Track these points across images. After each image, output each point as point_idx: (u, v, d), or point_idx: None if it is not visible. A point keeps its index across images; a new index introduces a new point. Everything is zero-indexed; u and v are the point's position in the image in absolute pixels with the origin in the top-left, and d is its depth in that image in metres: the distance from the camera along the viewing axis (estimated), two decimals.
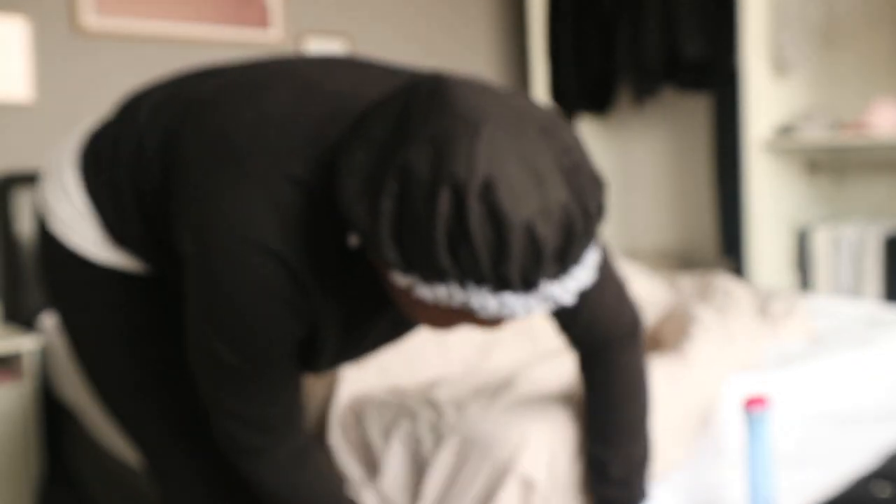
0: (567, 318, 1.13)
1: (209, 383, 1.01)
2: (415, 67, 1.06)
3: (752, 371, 1.61)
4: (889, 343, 1.86)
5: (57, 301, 1.18)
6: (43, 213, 1.13)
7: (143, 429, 1.21)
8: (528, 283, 0.75)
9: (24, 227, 2.47)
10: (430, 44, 3.62)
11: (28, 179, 2.48)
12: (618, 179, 3.95)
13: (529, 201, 0.72)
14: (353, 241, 0.88)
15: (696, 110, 3.60)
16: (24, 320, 2.45)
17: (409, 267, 0.76)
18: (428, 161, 0.73)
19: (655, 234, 3.87)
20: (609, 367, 1.18)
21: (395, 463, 1.31)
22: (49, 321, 2.39)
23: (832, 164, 3.18)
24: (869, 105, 2.81)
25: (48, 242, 1.14)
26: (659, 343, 1.70)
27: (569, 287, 0.77)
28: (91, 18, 2.72)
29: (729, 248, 3.27)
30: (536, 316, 1.58)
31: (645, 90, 3.34)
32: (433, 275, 0.75)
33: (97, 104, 2.72)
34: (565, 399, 1.32)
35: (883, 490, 1.66)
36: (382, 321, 1.04)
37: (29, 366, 2.30)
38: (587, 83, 3.56)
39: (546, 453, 1.23)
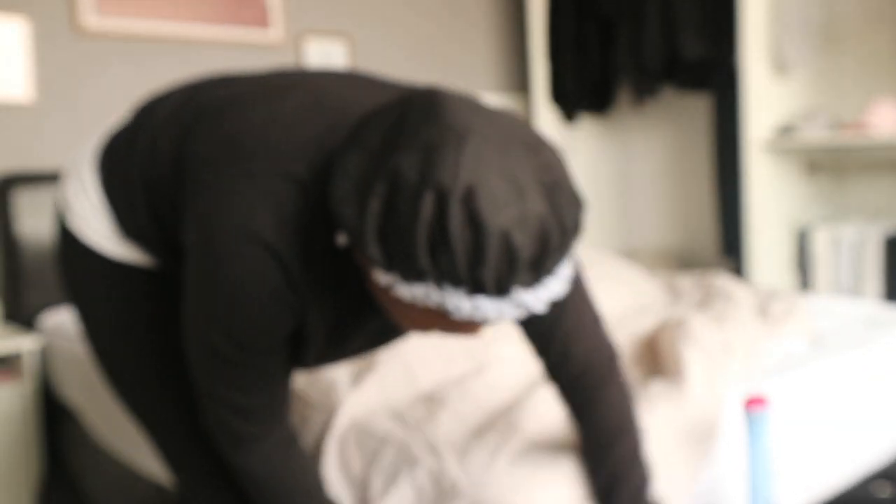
0: (544, 337, 1.13)
1: (204, 372, 1.05)
2: (413, 82, 1.11)
3: (753, 371, 1.61)
4: (889, 343, 1.86)
5: (74, 295, 1.24)
6: (63, 210, 1.20)
7: (157, 416, 1.25)
8: (501, 289, 0.78)
9: (25, 227, 2.47)
10: (430, 44, 3.62)
11: (28, 179, 2.48)
12: (618, 179, 3.95)
13: (508, 210, 0.76)
14: (341, 240, 0.91)
15: (696, 110, 3.60)
16: (24, 320, 2.45)
17: (390, 265, 0.80)
18: (416, 167, 0.77)
19: (655, 234, 3.87)
20: (595, 402, 1.18)
21: None
22: (49, 321, 2.39)
23: (832, 164, 3.18)
24: (869, 105, 2.81)
25: (66, 238, 1.20)
26: (656, 355, 1.68)
27: (541, 296, 0.80)
28: (91, 18, 2.72)
29: (729, 248, 3.27)
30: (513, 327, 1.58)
31: (645, 90, 3.34)
32: (412, 274, 0.79)
33: (97, 104, 2.73)
34: (571, 447, 1.28)
35: (883, 490, 1.66)
36: (369, 324, 1.07)
37: (29, 366, 2.30)
38: (587, 83, 3.56)
39: None
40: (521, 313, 0.81)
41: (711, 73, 3.17)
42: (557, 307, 1.08)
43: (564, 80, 3.58)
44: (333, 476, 1.38)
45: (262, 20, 3.10)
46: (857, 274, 2.89)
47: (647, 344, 1.74)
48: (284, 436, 1.11)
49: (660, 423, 1.35)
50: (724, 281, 2.20)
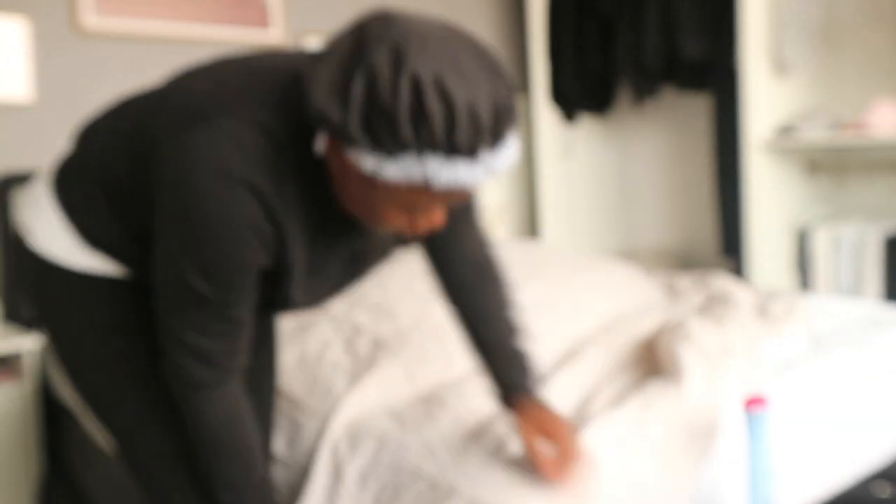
0: (468, 222, 1.31)
1: (174, 316, 1.11)
2: None
3: (752, 371, 1.61)
4: (889, 343, 1.86)
5: (46, 318, 1.27)
6: (24, 235, 1.24)
7: (142, 436, 1.25)
8: (472, 150, 0.94)
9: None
10: None
11: (28, 179, 2.48)
12: (618, 179, 3.95)
13: (469, 89, 0.94)
14: (321, 145, 1.04)
15: (696, 110, 3.60)
16: (24, 320, 2.46)
17: (376, 146, 0.94)
18: (389, 63, 0.92)
19: (655, 234, 3.87)
20: (497, 276, 1.37)
21: None
22: None
23: (832, 164, 3.18)
24: (869, 105, 2.81)
25: (31, 261, 1.23)
26: (654, 356, 1.68)
27: (501, 158, 0.98)
28: (91, 18, 2.72)
29: (729, 249, 3.27)
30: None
31: (645, 90, 3.34)
32: (397, 148, 0.93)
33: (97, 104, 2.73)
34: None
35: (883, 490, 1.66)
36: (340, 248, 1.18)
37: (29, 366, 2.30)
38: (587, 83, 3.56)
39: None
40: (487, 176, 0.98)
41: (711, 73, 3.17)
42: (470, 206, 1.31)
43: (564, 80, 3.58)
44: (325, 481, 1.38)
45: (262, 20, 3.10)
46: (857, 274, 2.89)
47: (647, 345, 1.74)
48: (237, 388, 1.17)
49: (659, 423, 1.35)
50: (723, 281, 2.20)
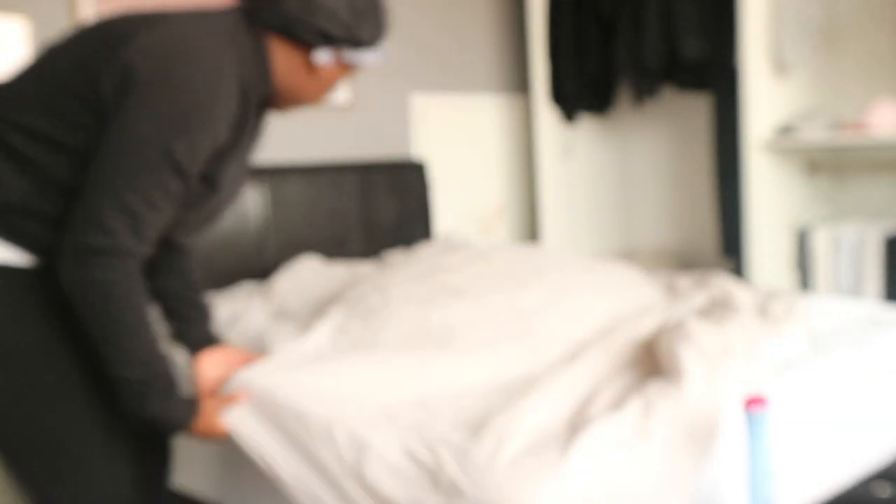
0: (211, 197, 1.40)
1: (127, 180, 1.21)
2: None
3: (753, 371, 1.61)
4: (889, 343, 1.86)
5: None
6: None
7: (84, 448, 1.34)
8: (379, 40, 1.40)
9: None
10: (430, 44, 3.62)
11: None
12: (618, 179, 3.95)
13: None
14: (276, 51, 1.37)
15: (696, 110, 3.60)
16: None
17: (329, 42, 1.34)
18: None
19: (655, 234, 3.88)
20: (191, 257, 1.58)
21: None
22: None
23: (832, 164, 3.18)
24: (869, 105, 2.81)
25: None
26: (654, 357, 1.67)
27: (380, 51, 1.41)
28: (91, 18, 2.71)
29: (729, 248, 3.27)
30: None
31: (645, 90, 3.34)
32: (346, 42, 1.35)
33: None
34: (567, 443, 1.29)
35: (883, 490, 1.66)
36: (240, 160, 1.42)
37: None
38: (587, 83, 3.56)
39: None
40: (382, 60, 1.43)
41: (711, 73, 3.17)
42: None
43: (564, 81, 3.58)
44: (314, 484, 1.38)
45: None
46: (857, 274, 2.89)
47: (646, 346, 1.74)
48: (138, 271, 1.28)
49: (660, 423, 1.35)
50: (723, 282, 2.20)
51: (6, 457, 1.32)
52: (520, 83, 3.90)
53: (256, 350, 1.71)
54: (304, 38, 1.32)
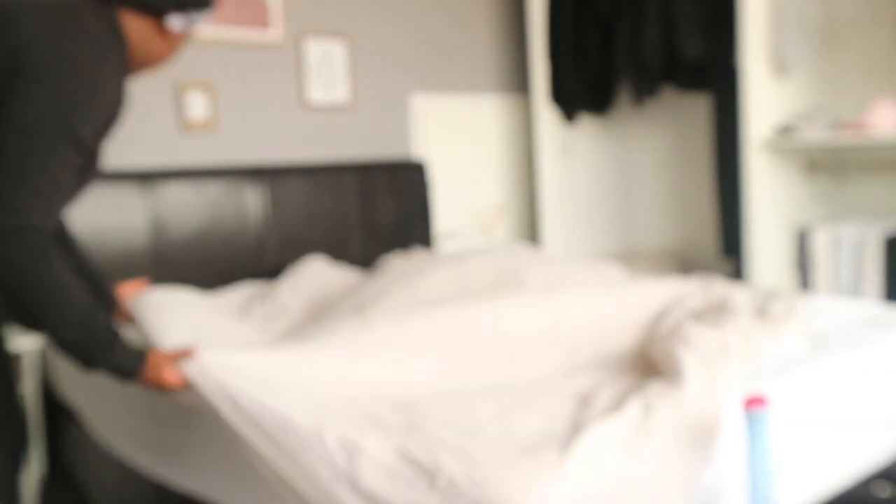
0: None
1: (31, 160, 1.30)
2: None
3: (752, 371, 1.61)
4: (889, 343, 1.86)
5: None
6: None
7: None
8: (212, 6, 1.58)
9: None
10: (430, 44, 3.62)
11: None
12: (618, 179, 3.95)
13: None
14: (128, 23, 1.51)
15: (696, 110, 3.60)
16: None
17: (180, 10, 1.52)
18: None
19: (655, 234, 3.87)
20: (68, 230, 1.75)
21: None
22: None
23: (832, 164, 3.18)
24: (869, 105, 2.81)
25: None
26: (655, 360, 1.67)
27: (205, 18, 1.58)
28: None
29: (729, 249, 3.27)
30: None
31: (645, 90, 3.34)
32: (192, 8, 1.54)
33: None
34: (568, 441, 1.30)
35: (883, 490, 1.66)
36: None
37: (29, 366, 2.30)
38: (587, 83, 3.56)
39: None
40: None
41: (711, 73, 3.17)
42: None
43: (564, 81, 3.58)
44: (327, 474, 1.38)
45: (262, 20, 3.10)
46: (857, 274, 2.89)
47: (646, 347, 1.74)
48: (51, 243, 1.35)
49: (660, 424, 1.35)
50: (721, 286, 2.20)
51: None
52: (520, 83, 3.90)
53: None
54: (158, 7, 1.49)
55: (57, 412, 2.37)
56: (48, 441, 2.40)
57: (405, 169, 3.34)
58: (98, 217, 2.59)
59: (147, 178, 2.70)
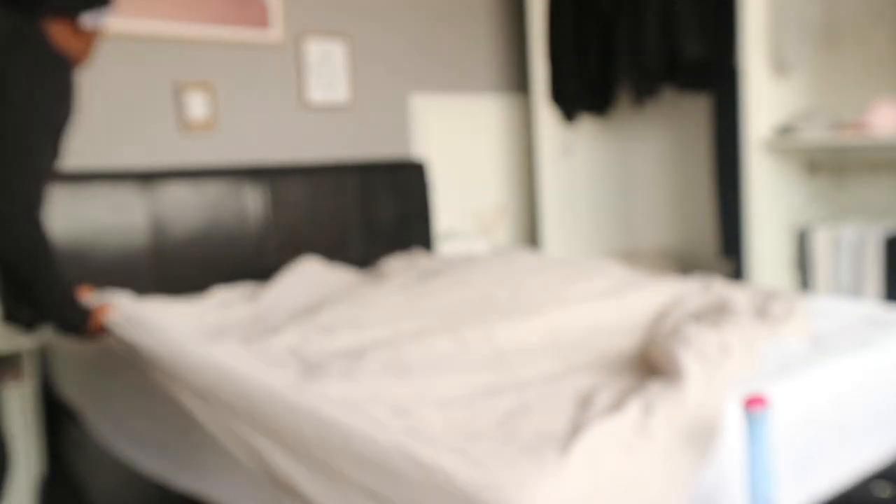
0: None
1: (24, 152, 1.60)
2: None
3: (753, 372, 1.61)
4: (889, 344, 1.86)
5: None
6: None
7: None
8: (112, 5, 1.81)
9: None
10: (430, 44, 3.62)
11: None
12: (618, 179, 3.95)
13: None
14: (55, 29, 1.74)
15: (696, 110, 3.60)
16: (24, 320, 2.45)
17: (91, 9, 1.74)
18: None
19: (655, 234, 3.87)
20: None
21: None
22: None
23: (832, 164, 3.18)
24: (869, 105, 2.81)
25: None
26: (655, 361, 1.67)
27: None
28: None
29: (729, 249, 3.27)
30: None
31: (645, 90, 3.34)
32: (99, 8, 1.76)
33: (97, 104, 2.73)
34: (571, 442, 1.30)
35: (883, 490, 1.66)
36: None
37: (29, 366, 2.30)
38: (587, 83, 3.56)
39: None
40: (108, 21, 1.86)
41: (711, 73, 3.17)
42: None
43: (564, 81, 3.58)
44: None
45: (261, 20, 3.10)
46: (857, 274, 2.89)
47: (646, 348, 1.75)
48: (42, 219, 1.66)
49: (660, 424, 1.35)
50: (722, 287, 2.20)
51: None
52: (520, 83, 3.90)
53: None
54: (72, 9, 1.71)
55: (57, 412, 2.37)
56: (48, 441, 2.40)
57: (405, 169, 3.34)
58: (98, 217, 2.59)
59: (147, 178, 2.70)
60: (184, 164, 2.89)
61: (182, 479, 1.79)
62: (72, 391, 2.25)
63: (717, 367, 1.53)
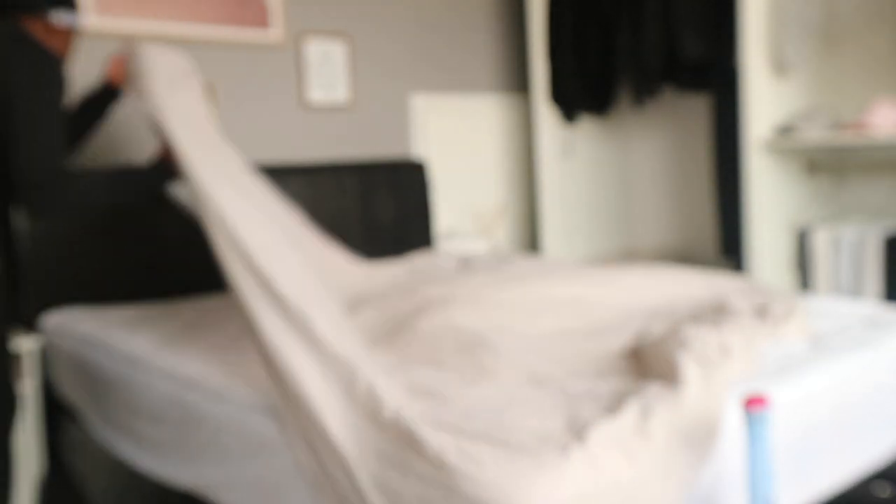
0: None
1: (42, 128, 1.74)
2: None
3: (752, 372, 1.61)
4: (889, 344, 1.86)
5: None
6: None
7: None
8: (79, 7, 1.92)
9: (23, 226, 2.47)
10: (430, 44, 3.62)
11: None
12: (618, 179, 3.95)
13: None
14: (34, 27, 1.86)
15: (696, 110, 3.60)
16: (24, 320, 2.45)
17: (63, 8, 1.85)
18: None
19: (655, 234, 3.88)
20: None
21: None
22: (49, 321, 2.39)
23: (832, 164, 3.18)
24: (869, 105, 2.81)
25: None
26: (654, 361, 1.67)
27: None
28: (91, 18, 2.72)
29: (729, 248, 3.27)
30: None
31: (645, 90, 3.34)
32: (69, 7, 1.88)
33: None
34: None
35: (883, 490, 1.66)
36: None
37: (29, 366, 2.30)
38: (587, 83, 3.56)
39: None
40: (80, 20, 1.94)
41: (711, 73, 3.17)
42: None
43: (564, 81, 3.58)
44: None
45: (261, 20, 3.10)
46: (857, 274, 2.89)
47: (645, 348, 1.74)
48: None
49: (660, 424, 1.35)
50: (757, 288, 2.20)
51: None
52: (520, 83, 3.90)
53: None
54: (38, 7, 1.82)
55: (57, 412, 2.37)
56: (48, 441, 2.40)
57: (405, 169, 3.34)
58: (98, 217, 2.58)
59: None
60: None
61: (181, 479, 1.79)
62: (72, 391, 2.25)
63: (716, 368, 1.53)
